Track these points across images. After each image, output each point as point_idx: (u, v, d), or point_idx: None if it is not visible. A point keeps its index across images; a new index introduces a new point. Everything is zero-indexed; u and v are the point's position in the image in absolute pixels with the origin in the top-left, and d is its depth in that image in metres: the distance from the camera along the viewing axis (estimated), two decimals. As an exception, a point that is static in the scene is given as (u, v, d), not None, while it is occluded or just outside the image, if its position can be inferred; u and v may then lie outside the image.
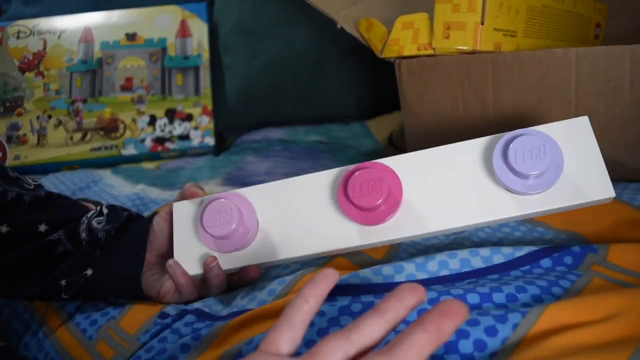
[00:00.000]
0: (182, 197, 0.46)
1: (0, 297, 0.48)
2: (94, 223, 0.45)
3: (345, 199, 0.39)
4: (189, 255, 0.43)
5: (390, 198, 0.38)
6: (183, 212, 0.45)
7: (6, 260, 0.43)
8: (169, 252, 0.45)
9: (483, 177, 0.39)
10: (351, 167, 0.41)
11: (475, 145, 0.40)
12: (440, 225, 0.39)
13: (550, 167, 0.36)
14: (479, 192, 0.38)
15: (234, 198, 0.43)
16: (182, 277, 0.43)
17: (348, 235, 0.40)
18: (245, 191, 0.44)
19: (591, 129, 0.38)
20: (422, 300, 0.27)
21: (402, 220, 0.39)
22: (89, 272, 0.43)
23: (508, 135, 0.38)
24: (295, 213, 0.42)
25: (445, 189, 0.39)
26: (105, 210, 0.46)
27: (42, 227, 0.43)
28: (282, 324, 0.27)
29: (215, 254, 0.43)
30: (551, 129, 0.38)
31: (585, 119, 0.39)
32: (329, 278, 0.29)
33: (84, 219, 0.45)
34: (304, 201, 0.42)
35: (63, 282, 0.43)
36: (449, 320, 0.25)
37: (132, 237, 0.45)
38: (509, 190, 0.38)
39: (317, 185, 0.42)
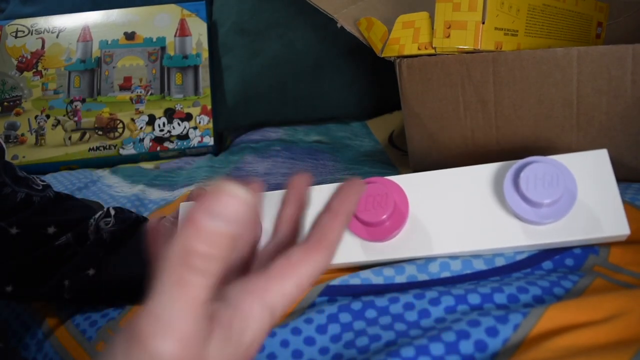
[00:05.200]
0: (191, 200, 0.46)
1: (11, 300, 0.48)
2: (102, 224, 0.45)
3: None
4: None
5: (396, 214, 0.38)
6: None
7: (16, 263, 0.43)
8: None
9: (493, 203, 0.38)
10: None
11: (487, 170, 0.39)
12: (446, 249, 0.38)
13: (563, 196, 0.35)
14: (488, 218, 0.37)
15: None
16: None
17: (351, 250, 0.40)
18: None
19: (609, 162, 0.36)
20: (362, 191, 0.27)
21: (407, 239, 0.38)
22: (92, 271, 0.43)
23: (520, 162, 0.37)
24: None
25: (454, 212, 0.38)
26: (112, 212, 0.46)
27: (51, 230, 0.43)
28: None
29: None
30: (567, 159, 0.37)
31: (603, 152, 0.37)
32: (358, 187, 0.27)
33: (92, 220, 0.45)
34: (308, 212, 0.42)
35: (66, 282, 0.43)
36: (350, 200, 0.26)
37: (138, 238, 0.45)
38: (519, 219, 0.37)
39: (322, 197, 0.42)
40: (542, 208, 0.35)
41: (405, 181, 0.39)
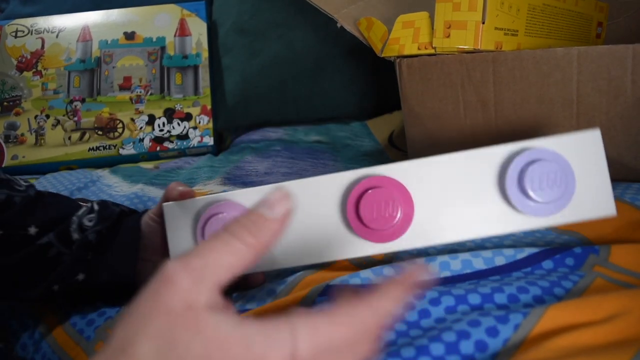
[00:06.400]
0: (167, 198, 0.44)
1: (1, 300, 0.47)
2: (85, 221, 0.44)
3: (357, 219, 0.38)
4: None
5: (403, 218, 0.38)
6: (175, 214, 0.43)
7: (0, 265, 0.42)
8: (161, 250, 0.45)
9: (492, 189, 0.38)
10: (358, 172, 0.39)
11: (486, 155, 0.38)
12: (447, 238, 0.38)
13: (564, 193, 0.36)
14: (487, 207, 0.38)
15: (234, 207, 0.41)
16: None
17: (354, 247, 0.39)
18: (244, 193, 0.42)
19: (602, 143, 0.37)
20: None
21: (411, 234, 0.38)
22: (81, 276, 0.42)
23: (522, 156, 0.37)
24: (299, 220, 0.40)
25: (454, 201, 0.38)
26: (96, 207, 0.45)
27: (32, 230, 0.42)
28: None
29: None
30: (562, 142, 0.37)
31: (596, 132, 0.37)
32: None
33: (75, 218, 0.44)
34: (308, 207, 0.40)
35: (56, 287, 0.42)
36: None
37: (124, 238, 0.44)
38: (519, 212, 0.37)
39: (322, 191, 0.40)
40: (544, 204, 0.36)
41: (405, 170, 0.39)
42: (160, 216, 0.44)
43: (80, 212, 0.45)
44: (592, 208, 0.37)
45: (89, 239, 0.43)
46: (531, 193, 0.36)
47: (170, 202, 0.43)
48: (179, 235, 0.42)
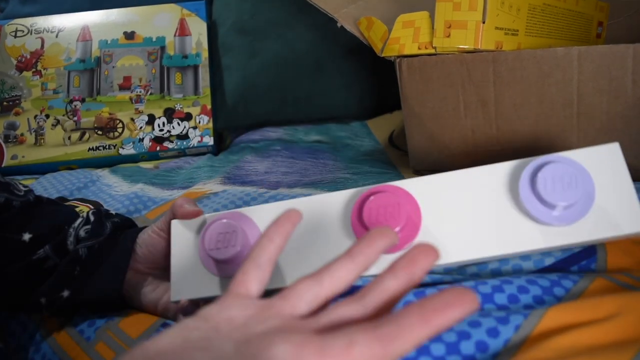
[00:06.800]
0: (175, 213, 0.43)
1: None
2: (82, 233, 0.44)
3: (360, 224, 0.37)
4: (188, 278, 0.41)
5: (409, 225, 0.36)
6: (181, 231, 0.42)
7: None
8: (163, 264, 0.44)
9: (508, 205, 0.36)
10: (366, 188, 0.38)
11: (500, 170, 0.37)
12: (461, 256, 0.36)
13: (581, 198, 0.33)
14: (502, 221, 0.36)
15: (238, 219, 0.40)
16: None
17: None
18: (250, 211, 0.41)
19: (622, 155, 0.35)
20: (392, 242, 0.27)
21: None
22: (66, 293, 0.42)
23: (536, 161, 0.35)
24: (305, 236, 0.39)
25: (467, 216, 0.36)
26: (92, 218, 0.45)
27: (26, 236, 0.42)
28: (249, 265, 0.27)
29: (217, 278, 0.40)
30: (579, 155, 0.35)
31: (615, 146, 0.35)
32: (292, 218, 0.30)
33: (71, 230, 0.44)
34: (313, 224, 0.39)
35: (43, 300, 0.42)
36: (418, 265, 0.25)
37: (114, 259, 0.44)
38: (535, 221, 0.35)
39: (328, 207, 0.39)
40: (561, 210, 0.34)
41: (415, 185, 0.38)
42: (165, 230, 0.44)
43: (77, 223, 0.45)
44: (620, 224, 0.34)
45: (79, 254, 0.42)
46: (543, 193, 0.33)
47: (177, 220, 0.43)
48: (183, 250, 0.42)
